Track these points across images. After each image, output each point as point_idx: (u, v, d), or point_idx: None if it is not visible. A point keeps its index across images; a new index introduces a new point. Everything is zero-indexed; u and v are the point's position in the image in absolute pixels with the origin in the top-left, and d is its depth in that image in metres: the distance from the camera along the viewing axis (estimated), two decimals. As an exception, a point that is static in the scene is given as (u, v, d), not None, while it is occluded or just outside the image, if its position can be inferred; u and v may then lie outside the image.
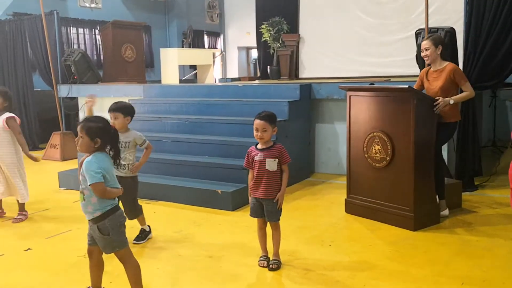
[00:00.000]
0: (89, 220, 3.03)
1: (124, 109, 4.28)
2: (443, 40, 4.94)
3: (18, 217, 5.16)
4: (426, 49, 4.72)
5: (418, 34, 6.34)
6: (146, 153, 4.44)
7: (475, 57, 5.61)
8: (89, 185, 2.91)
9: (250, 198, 3.79)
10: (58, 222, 5.07)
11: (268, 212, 3.71)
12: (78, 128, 2.99)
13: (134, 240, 4.37)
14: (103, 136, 2.98)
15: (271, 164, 3.65)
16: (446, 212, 4.84)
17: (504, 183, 6.11)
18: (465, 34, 5.78)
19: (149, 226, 4.53)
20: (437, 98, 4.56)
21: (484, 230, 4.48)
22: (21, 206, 5.22)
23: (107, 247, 3.04)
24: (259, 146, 3.73)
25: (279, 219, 3.76)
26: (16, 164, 5.10)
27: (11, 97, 5.21)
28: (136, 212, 4.38)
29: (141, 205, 4.48)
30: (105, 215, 2.98)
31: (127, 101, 4.48)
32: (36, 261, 4.07)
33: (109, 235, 2.98)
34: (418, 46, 6.24)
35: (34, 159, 5.16)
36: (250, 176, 3.78)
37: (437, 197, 4.75)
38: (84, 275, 3.62)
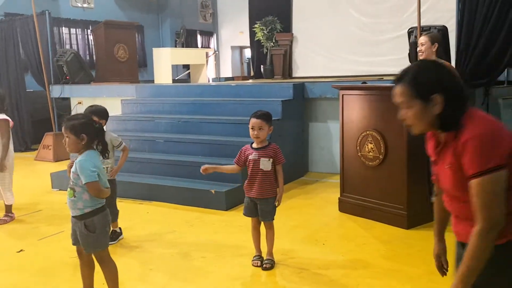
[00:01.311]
0: (74, 217, 3.01)
1: (98, 113, 4.25)
2: (441, 39, 4.95)
3: (3, 218, 5.11)
4: (422, 45, 4.76)
5: (410, 32, 6.36)
6: (123, 156, 4.45)
7: (467, 55, 5.63)
8: (85, 183, 2.90)
9: (208, 166, 3.69)
10: (51, 223, 5.04)
11: (262, 212, 3.70)
12: (63, 129, 2.99)
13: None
14: (88, 131, 2.97)
15: (266, 164, 3.64)
16: None
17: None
18: (458, 33, 5.81)
19: (120, 228, 4.51)
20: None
21: (477, 228, 4.49)
22: (8, 208, 5.17)
23: (90, 245, 3.02)
24: (254, 145, 3.72)
25: (273, 219, 3.75)
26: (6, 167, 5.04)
27: (4, 97, 5.18)
28: (113, 216, 4.35)
29: (118, 210, 4.48)
30: (95, 212, 2.99)
31: (101, 105, 4.48)
32: (29, 263, 4.04)
33: (94, 232, 2.97)
34: (411, 44, 6.27)
35: (0, 168, 4.96)
36: (230, 166, 3.80)
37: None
38: (77, 276, 3.59)
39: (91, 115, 4.13)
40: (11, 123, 5.09)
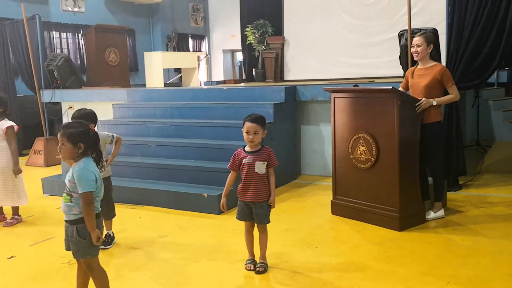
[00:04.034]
0: (67, 222, 2.98)
1: (86, 117, 4.23)
2: (434, 39, 4.95)
3: (9, 220, 5.19)
4: (418, 46, 4.67)
5: (401, 35, 6.38)
6: (117, 145, 4.56)
7: (457, 58, 5.66)
8: (82, 192, 2.87)
9: (223, 199, 3.74)
10: (42, 229, 5.00)
11: (258, 215, 3.69)
12: (59, 136, 2.94)
13: (101, 245, 4.32)
14: (85, 140, 2.95)
15: (260, 167, 3.63)
16: (441, 212, 4.86)
17: (489, 182, 6.18)
18: (448, 35, 5.84)
19: (113, 232, 4.50)
20: (420, 98, 4.58)
21: (469, 229, 4.52)
22: (15, 210, 5.25)
23: (79, 252, 2.98)
24: (247, 149, 3.71)
25: (269, 221, 3.75)
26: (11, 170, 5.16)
27: (7, 101, 5.25)
28: (110, 213, 4.41)
29: (114, 206, 4.50)
30: None
31: (89, 108, 4.51)
32: (20, 269, 4.01)
33: (85, 239, 2.94)
34: (401, 47, 6.30)
35: (16, 172, 5.14)
36: (230, 178, 3.75)
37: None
38: (69, 282, 3.58)
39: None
40: (16, 128, 5.17)
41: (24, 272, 3.93)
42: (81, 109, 4.43)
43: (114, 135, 4.57)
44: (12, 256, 4.27)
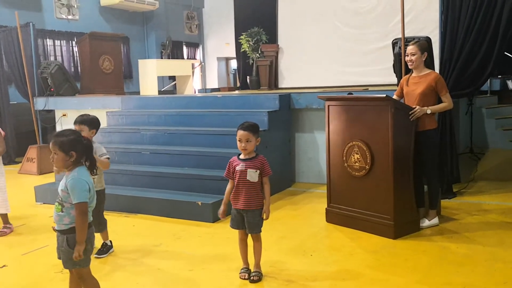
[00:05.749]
0: (58, 231, 2.95)
1: (89, 122, 4.23)
2: (428, 47, 4.96)
3: (2, 230, 5.11)
4: (413, 54, 4.68)
5: (394, 43, 6.41)
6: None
7: (451, 66, 5.69)
8: (76, 203, 2.85)
9: (222, 207, 3.70)
10: (34, 238, 4.96)
11: (249, 224, 3.68)
12: (50, 145, 2.91)
13: (95, 254, 4.28)
14: (77, 148, 2.92)
15: (252, 175, 3.62)
16: (436, 220, 4.87)
17: (482, 189, 6.20)
18: (441, 43, 5.87)
19: (110, 241, 4.46)
20: (414, 106, 4.60)
21: (463, 237, 4.52)
22: (5, 219, 5.18)
23: (69, 262, 2.95)
24: (241, 157, 3.71)
25: (261, 231, 3.73)
26: None
27: None
28: (100, 226, 4.32)
29: (106, 220, 4.42)
30: None
31: (92, 114, 4.42)
32: (12, 278, 3.97)
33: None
34: (395, 55, 6.32)
35: None
36: (229, 186, 3.74)
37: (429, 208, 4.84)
38: (61, 292, 3.55)
39: (81, 125, 4.13)
40: (3, 134, 5.11)
41: (17, 282, 3.90)
42: (84, 114, 4.38)
43: (106, 156, 4.30)
44: (4, 266, 4.22)
